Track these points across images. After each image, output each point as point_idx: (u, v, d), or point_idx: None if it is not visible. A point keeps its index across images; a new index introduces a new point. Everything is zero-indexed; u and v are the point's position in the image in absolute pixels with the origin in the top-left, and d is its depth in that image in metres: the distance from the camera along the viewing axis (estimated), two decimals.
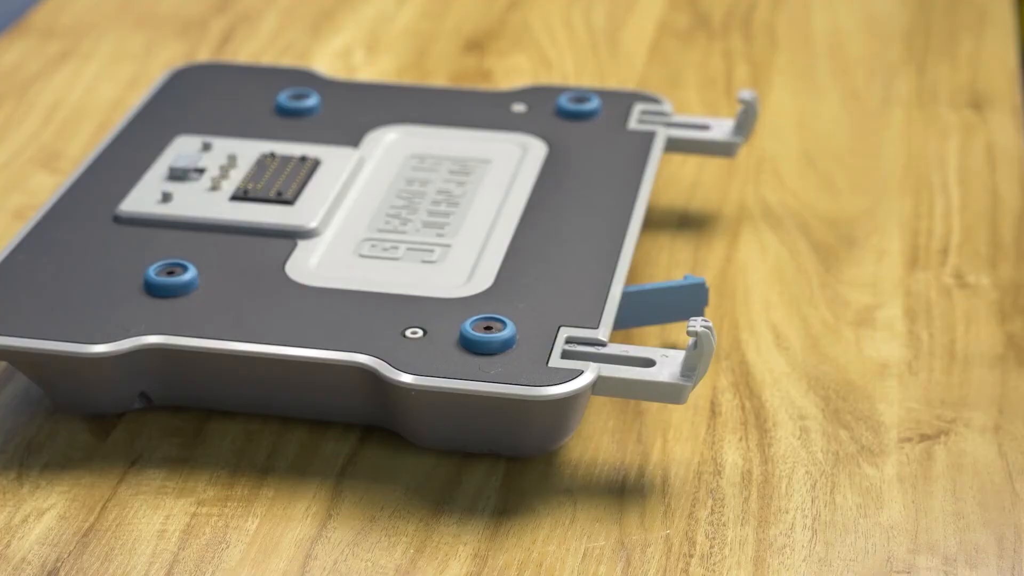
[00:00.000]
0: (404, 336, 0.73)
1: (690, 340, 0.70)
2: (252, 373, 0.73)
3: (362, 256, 0.80)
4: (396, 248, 0.80)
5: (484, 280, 0.77)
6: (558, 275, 0.77)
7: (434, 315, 0.74)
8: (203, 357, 0.73)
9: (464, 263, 0.79)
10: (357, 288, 0.77)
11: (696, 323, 0.69)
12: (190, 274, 0.76)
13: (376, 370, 0.71)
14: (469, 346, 0.72)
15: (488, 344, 0.72)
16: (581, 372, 0.71)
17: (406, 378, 0.71)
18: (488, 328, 0.73)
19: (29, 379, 0.76)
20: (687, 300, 0.80)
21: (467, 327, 0.73)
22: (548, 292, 0.76)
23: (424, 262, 0.79)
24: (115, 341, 0.73)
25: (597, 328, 0.73)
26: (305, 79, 0.95)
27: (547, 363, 0.71)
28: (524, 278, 0.77)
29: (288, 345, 0.73)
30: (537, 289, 0.76)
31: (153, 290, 0.76)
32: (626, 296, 0.78)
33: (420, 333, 0.73)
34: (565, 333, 0.73)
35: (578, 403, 0.71)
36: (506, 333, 0.72)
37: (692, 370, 0.70)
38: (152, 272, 0.76)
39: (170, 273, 0.76)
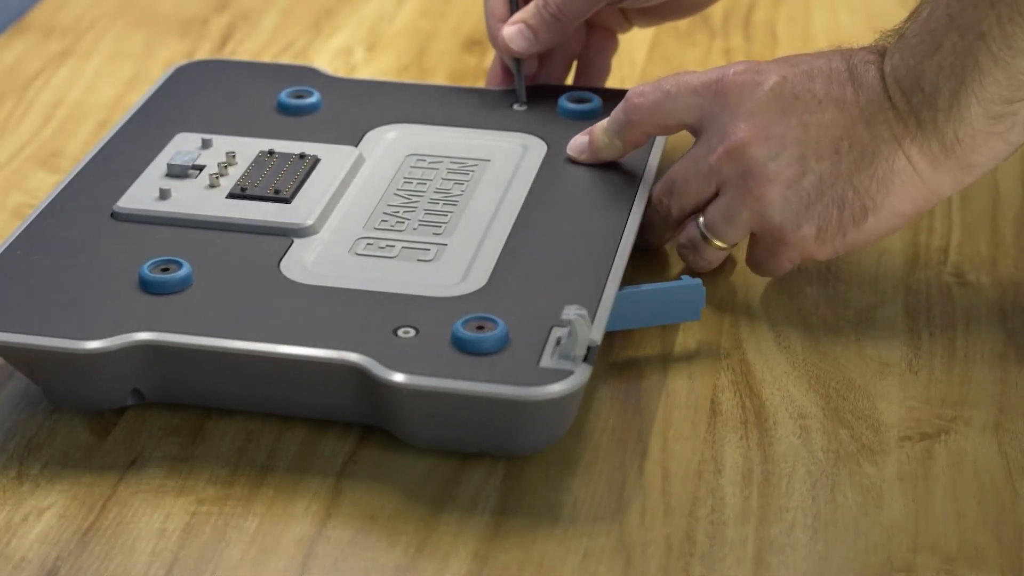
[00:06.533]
0: (396, 335, 0.73)
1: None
2: (244, 370, 0.73)
3: (357, 255, 0.79)
4: (392, 247, 0.80)
5: (478, 280, 0.77)
6: (553, 275, 0.77)
7: (426, 314, 0.74)
8: (195, 354, 0.73)
9: (459, 262, 0.78)
10: (351, 287, 0.76)
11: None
12: (184, 271, 0.76)
13: (367, 369, 0.71)
14: (461, 345, 0.72)
15: (480, 344, 0.72)
16: (571, 372, 0.70)
17: (397, 377, 0.71)
18: (480, 328, 0.72)
19: (23, 374, 0.76)
20: (684, 301, 0.80)
21: (459, 326, 0.72)
22: (542, 292, 0.76)
23: (419, 261, 0.79)
24: (108, 337, 0.73)
25: None
26: (307, 76, 0.95)
27: (538, 363, 0.71)
28: (518, 278, 0.77)
29: (280, 343, 0.72)
30: (530, 289, 0.76)
31: (147, 287, 0.76)
32: (623, 297, 0.78)
33: (412, 332, 0.73)
34: (557, 334, 0.73)
35: (569, 403, 0.71)
36: (498, 333, 0.72)
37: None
38: (146, 269, 0.76)
39: (164, 270, 0.76)
